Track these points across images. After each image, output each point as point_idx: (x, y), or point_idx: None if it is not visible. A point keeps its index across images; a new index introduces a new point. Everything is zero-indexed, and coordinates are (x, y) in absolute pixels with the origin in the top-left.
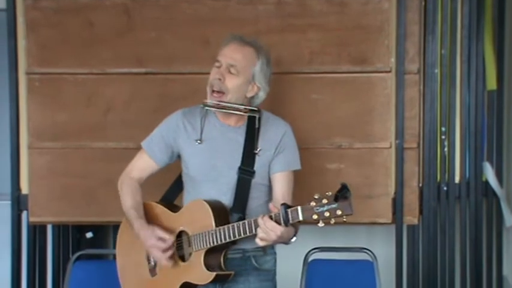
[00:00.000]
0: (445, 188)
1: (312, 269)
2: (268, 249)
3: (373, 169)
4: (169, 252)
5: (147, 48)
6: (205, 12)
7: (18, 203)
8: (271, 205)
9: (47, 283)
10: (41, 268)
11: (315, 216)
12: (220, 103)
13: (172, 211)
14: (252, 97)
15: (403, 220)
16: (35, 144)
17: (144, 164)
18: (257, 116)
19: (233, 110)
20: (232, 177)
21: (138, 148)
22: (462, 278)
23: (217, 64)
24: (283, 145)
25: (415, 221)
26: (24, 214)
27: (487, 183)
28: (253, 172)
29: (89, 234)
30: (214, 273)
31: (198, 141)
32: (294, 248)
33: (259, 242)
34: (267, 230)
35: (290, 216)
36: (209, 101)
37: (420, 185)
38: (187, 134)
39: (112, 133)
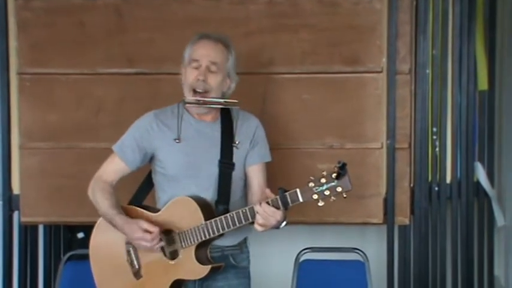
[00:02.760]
0: (436, 188)
1: (304, 270)
2: (244, 248)
3: (364, 169)
4: (157, 242)
5: (138, 49)
6: (197, 13)
7: (10, 203)
8: (267, 191)
9: (38, 283)
10: (32, 268)
11: (315, 196)
12: (201, 99)
13: (151, 212)
14: (226, 91)
15: (394, 220)
16: (26, 144)
17: (115, 167)
18: (235, 108)
19: (214, 104)
20: (213, 171)
21: None
22: (454, 278)
23: (194, 64)
24: (256, 138)
25: (407, 221)
26: (15, 214)
27: (478, 183)
28: (233, 164)
29: (81, 235)
30: (209, 266)
31: (177, 140)
32: (285, 248)
33: (259, 228)
34: (267, 216)
35: (289, 199)
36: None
37: (411, 185)
38: (163, 135)
39: (103, 133)
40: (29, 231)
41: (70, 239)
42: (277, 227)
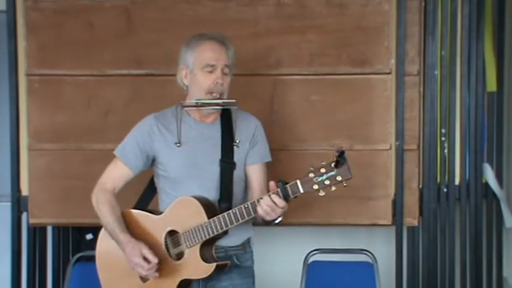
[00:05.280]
0: (445, 190)
1: (312, 271)
2: (247, 248)
3: (373, 171)
4: (152, 272)
5: (146, 50)
6: (205, 14)
7: (18, 205)
8: (271, 183)
9: (47, 285)
10: (41, 270)
11: (315, 187)
12: (199, 101)
13: (154, 214)
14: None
15: (403, 222)
16: (34, 145)
17: (118, 172)
18: (234, 108)
19: (213, 106)
20: (214, 171)
21: None
22: (462, 280)
23: (209, 69)
24: (256, 138)
25: (415, 223)
26: (24, 216)
27: (487, 184)
28: (234, 163)
29: (89, 236)
30: (214, 264)
31: (178, 144)
32: (293, 249)
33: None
34: (274, 207)
35: (290, 191)
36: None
37: (420, 186)
38: (163, 138)
39: (112, 135)
40: (37, 232)
41: (79, 240)
42: (272, 220)
